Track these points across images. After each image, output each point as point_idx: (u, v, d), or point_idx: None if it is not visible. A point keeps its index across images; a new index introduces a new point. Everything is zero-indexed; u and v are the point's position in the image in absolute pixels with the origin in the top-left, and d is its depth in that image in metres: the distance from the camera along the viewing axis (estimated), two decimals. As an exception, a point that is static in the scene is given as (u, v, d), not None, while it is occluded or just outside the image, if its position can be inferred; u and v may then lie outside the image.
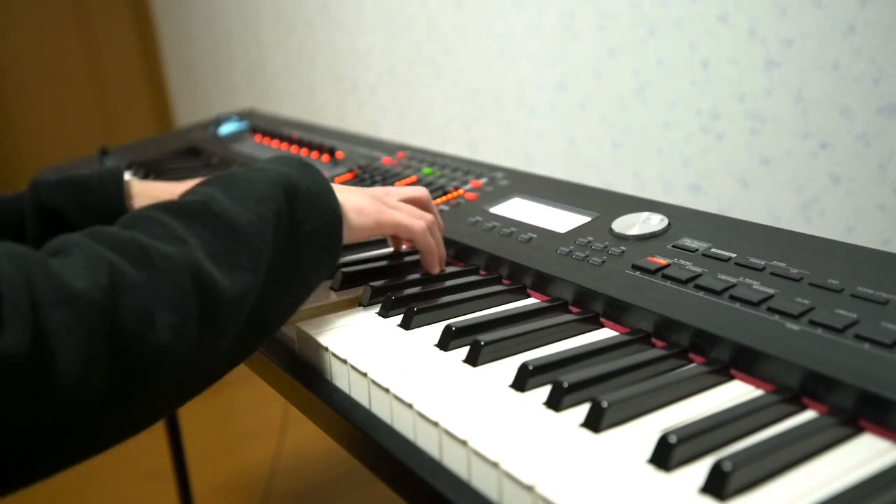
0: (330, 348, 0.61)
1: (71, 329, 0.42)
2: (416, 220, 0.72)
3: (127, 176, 0.92)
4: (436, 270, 0.75)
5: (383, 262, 0.78)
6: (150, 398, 0.48)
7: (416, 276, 0.75)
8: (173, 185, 0.96)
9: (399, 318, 0.66)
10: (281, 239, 0.58)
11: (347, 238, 0.67)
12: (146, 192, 0.91)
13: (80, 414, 0.43)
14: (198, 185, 0.61)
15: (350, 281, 0.73)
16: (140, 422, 0.49)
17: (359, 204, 0.69)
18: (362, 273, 0.75)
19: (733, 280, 0.58)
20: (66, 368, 0.41)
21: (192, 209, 0.55)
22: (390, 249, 0.82)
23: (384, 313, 0.68)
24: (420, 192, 0.78)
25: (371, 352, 0.60)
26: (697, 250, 0.64)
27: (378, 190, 0.76)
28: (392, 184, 0.98)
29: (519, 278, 0.72)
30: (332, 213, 0.64)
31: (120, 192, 0.86)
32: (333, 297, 0.72)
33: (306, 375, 0.64)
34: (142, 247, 0.49)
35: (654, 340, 0.59)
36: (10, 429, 0.40)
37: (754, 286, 0.57)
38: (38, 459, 0.43)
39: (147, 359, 0.46)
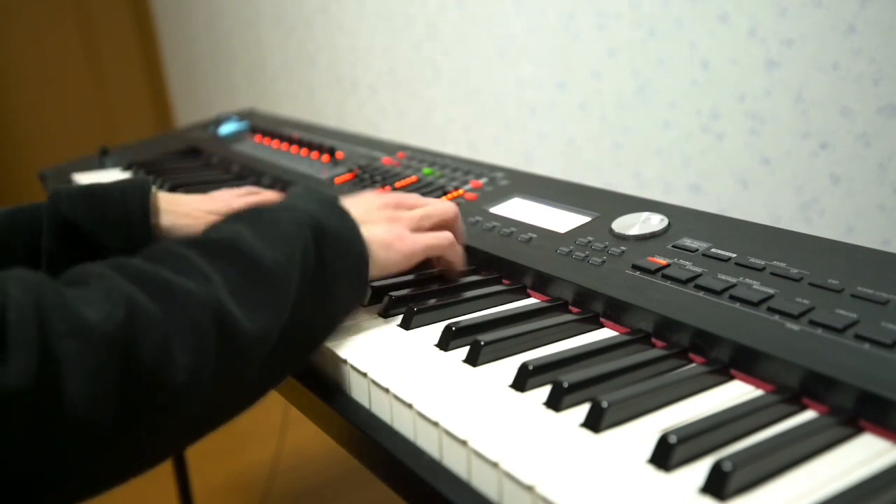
0: (330, 348, 0.61)
1: (81, 361, 0.41)
2: (442, 239, 0.70)
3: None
4: (457, 281, 0.74)
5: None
6: (161, 435, 0.47)
7: (415, 276, 0.75)
8: (200, 198, 0.93)
9: (399, 318, 0.66)
10: (307, 280, 0.57)
11: (375, 274, 0.65)
12: (172, 207, 0.87)
13: (86, 448, 0.42)
14: (224, 222, 0.59)
15: None
16: (150, 458, 0.48)
17: (385, 238, 0.67)
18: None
19: (733, 280, 0.58)
20: (73, 401, 0.40)
21: (219, 246, 0.54)
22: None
23: (384, 313, 0.68)
24: (448, 211, 0.74)
25: (371, 352, 0.60)
26: (697, 250, 0.64)
27: (403, 199, 0.74)
28: (392, 184, 0.98)
29: (519, 278, 0.72)
30: (358, 253, 0.62)
31: (144, 208, 0.81)
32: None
33: (306, 375, 0.64)
34: (164, 281, 0.48)
35: (654, 340, 0.59)
36: (14, 461, 0.39)
37: (754, 286, 0.57)
38: (45, 493, 0.42)
39: (161, 396, 0.45)
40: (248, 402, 0.55)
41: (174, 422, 0.47)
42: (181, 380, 0.45)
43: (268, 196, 1.00)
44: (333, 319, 0.61)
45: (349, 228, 0.63)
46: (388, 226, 0.68)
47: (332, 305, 0.60)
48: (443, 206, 0.74)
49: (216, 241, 0.55)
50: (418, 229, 0.70)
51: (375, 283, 0.71)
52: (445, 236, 0.71)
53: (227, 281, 0.51)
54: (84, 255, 0.79)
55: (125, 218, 0.80)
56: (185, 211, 0.87)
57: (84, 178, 1.32)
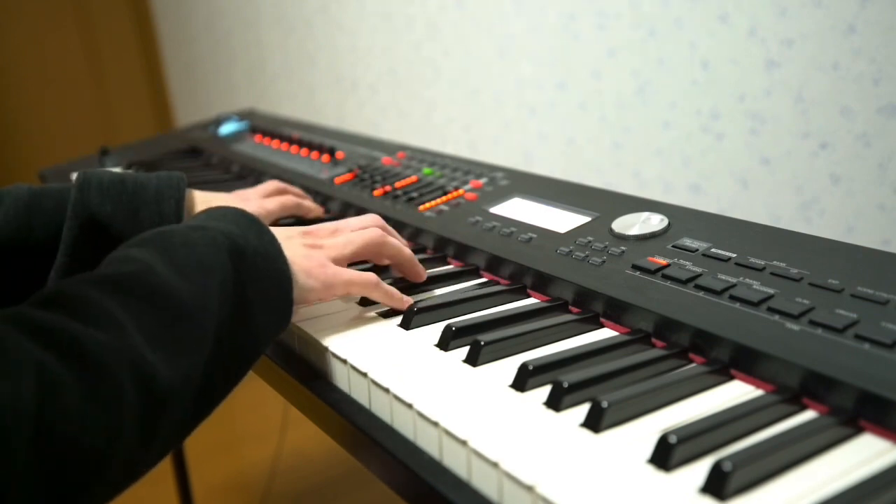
0: (330, 348, 0.61)
1: None
2: (366, 280, 0.65)
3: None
4: (420, 278, 0.72)
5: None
6: (88, 496, 0.43)
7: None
8: (231, 197, 0.91)
9: (399, 318, 0.66)
10: (228, 307, 0.53)
11: (296, 299, 0.61)
12: (208, 204, 0.83)
13: None
14: (134, 247, 0.55)
15: None
16: None
17: (306, 264, 0.62)
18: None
19: (733, 280, 0.58)
20: None
21: (129, 284, 0.49)
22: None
23: (384, 313, 0.68)
24: (369, 234, 0.69)
25: (371, 352, 0.60)
26: (697, 250, 0.64)
27: (322, 227, 0.70)
28: (392, 184, 0.98)
29: (519, 278, 0.72)
30: (281, 273, 0.58)
31: (178, 212, 0.77)
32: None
33: (306, 375, 0.64)
34: (74, 337, 0.43)
35: (654, 340, 0.59)
36: None
37: (754, 286, 0.57)
38: None
39: (82, 463, 0.41)
40: (175, 443, 0.52)
41: (100, 479, 0.43)
42: (101, 441, 0.42)
43: (295, 192, 0.99)
44: (257, 345, 0.58)
45: (270, 247, 0.59)
46: (309, 251, 0.65)
47: (255, 330, 0.56)
48: (363, 231, 0.69)
49: (128, 278, 0.50)
50: (340, 258, 0.66)
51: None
52: (369, 278, 0.65)
53: (140, 325, 0.47)
54: (107, 248, 0.72)
55: (159, 221, 0.76)
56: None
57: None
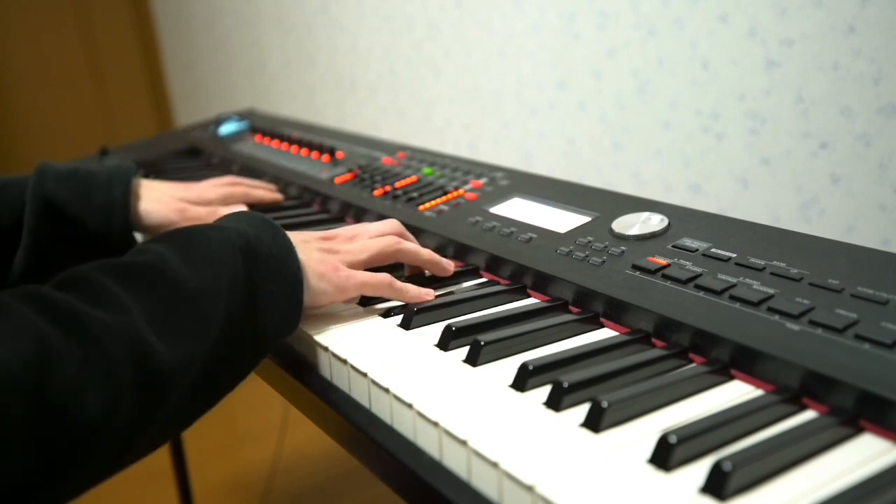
0: (330, 348, 0.61)
1: None
2: (379, 282, 0.67)
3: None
4: (447, 272, 0.73)
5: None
6: (77, 473, 0.44)
7: (416, 276, 0.75)
8: (174, 185, 0.96)
9: (399, 319, 0.66)
10: (237, 302, 0.55)
11: (308, 302, 0.63)
12: (147, 193, 0.90)
13: (2, 492, 0.40)
14: (151, 241, 0.58)
15: None
16: (68, 494, 0.45)
17: (319, 267, 0.64)
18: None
19: (733, 280, 0.58)
20: None
21: (140, 271, 0.52)
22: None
23: (384, 313, 0.68)
24: (384, 242, 0.70)
25: (371, 352, 0.60)
26: (697, 250, 0.64)
27: (340, 232, 0.71)
28: (392, 184, 0.98)
29: (519, 278, 0.72)
30: (293, 275, 0.60)
31: (126, 194, 0.84)
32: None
33: (306, 375, 0.64)
34: (77, 314, 0.45)
35: (654, 340, 0.59)
36: None
37: (754, 286, 0.57)
38: None
39: (74, 435, 0.42)
40: (175, 431, 0.53)
41: (91, 457, 0.44)
42: (95, 417, 0.43)
43: (247, 184, 1.03)
44: (264, 344, 0.59)
45: (283, 249, 0.61)
46: (324, 255, 0.66)
47: (263, 329, 0.58)
48: (379, 238, 0.71)
49: (139, 266, 0.52)
50: (356, 263, 0.67)
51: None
52: (382, 279, 0.67)
53: (145, 309, 0.49)
54: (65, 232, 0.82)
55: (108, 203, 0.83)
56: (156, 197, 0.90)
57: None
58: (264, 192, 1.04)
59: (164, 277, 0.52)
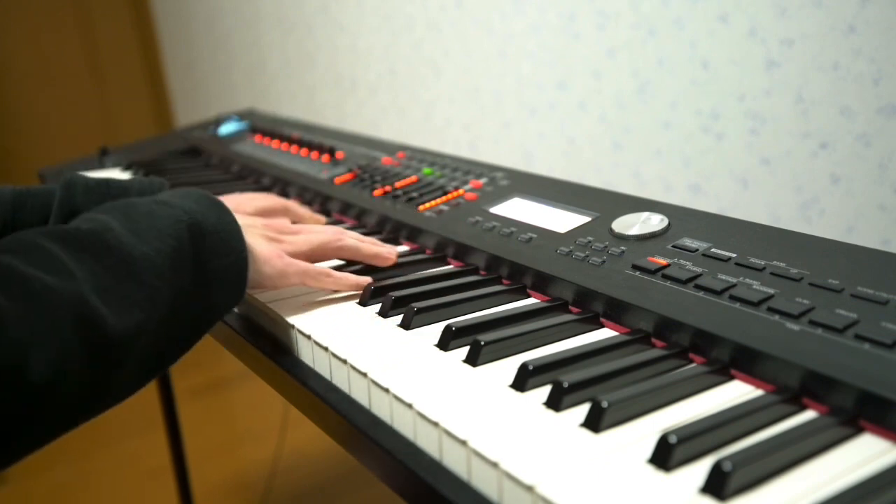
0: (330, 348, 0.61)
1: None
2: (319, 273, 0.70)
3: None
4: (389, 261, 0.76)
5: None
6: (29, 430, 0.46)
7: (415, 275, 0.75)
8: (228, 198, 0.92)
9: (399, 318, 0.66)
10: (183, 275, 0.57)
11: (250, 284, 0.65)
12: None
13: None
14: (97, 212, 0.58)
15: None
16: (21, 450, 0.47)
17: (264, 253, 0.67)
18: (359, 273, 0.75)
19: (733, 280, 0.58)
20: None
21: (85, 238, 0.52)
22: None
23: (384, 313, 0.68)
24: (326, 237, 0.74)
25: (371, 352, 0.60)
26: (697, 250, 0.64)
27: (287, 225, 0.74)
28: (392, 184, 0.98)
29: (519, 278, 0.72)
30: (239, 252, 0.62)
31: None
32: (332, 295, 0.72)
33: (305, 375, 0.64)
34: (20, 276, 0.46)
35: (654, 340, 0.59)
36: None
37: (754, 286, 0.57)
38: None
39: (23, 394, 0.43)
40: (120, 397, 0.54)
41: (42, 414, 0.45)
42: (42, 377, 0.44)
43: (285, 204, 0.90)
44: (211, 318, 0.61)
45: (229, 227, 0.62)
46: (269, 242, 0.69)
47: (209, 303, 0.60)
48: (319, 232, 0.74)
49: (84, 233, 0.53)
50: (298, 254, 0.71)
51: (375, 284, 0.71)
52: (321, 269, 0.70)
53: (91, 276, 0.50)
54: None
55: None
56: None
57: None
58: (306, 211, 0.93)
59: (108, 246, 0.53)
